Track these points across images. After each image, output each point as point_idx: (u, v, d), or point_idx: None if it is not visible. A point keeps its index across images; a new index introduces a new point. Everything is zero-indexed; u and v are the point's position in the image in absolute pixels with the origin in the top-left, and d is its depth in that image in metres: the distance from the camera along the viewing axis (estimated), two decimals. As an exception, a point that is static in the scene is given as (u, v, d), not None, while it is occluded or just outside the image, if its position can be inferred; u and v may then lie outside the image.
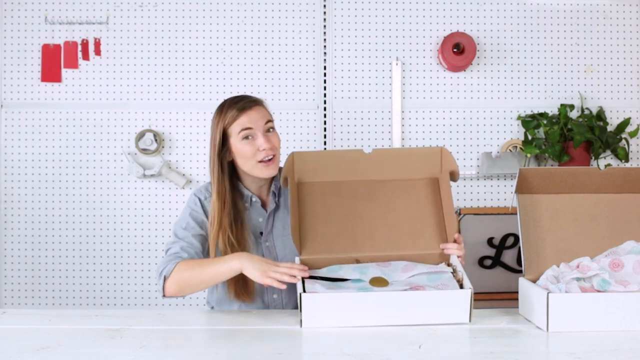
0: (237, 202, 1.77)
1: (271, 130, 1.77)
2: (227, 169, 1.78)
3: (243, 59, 2.87)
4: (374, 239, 1.60)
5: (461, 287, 1.46)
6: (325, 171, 1.67)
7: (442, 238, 1.61)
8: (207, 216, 1.76)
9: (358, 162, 1.68)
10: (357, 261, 1.56)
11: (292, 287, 1.73)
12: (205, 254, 1.73)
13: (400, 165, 1.68)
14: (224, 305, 1.81)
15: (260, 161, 1.73)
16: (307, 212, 1.64)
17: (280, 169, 1.82)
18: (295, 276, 1.49)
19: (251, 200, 1.80)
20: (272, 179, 1.82)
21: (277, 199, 1.81)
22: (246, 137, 1.73)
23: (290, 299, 1.78)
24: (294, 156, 1.67)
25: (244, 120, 1.73)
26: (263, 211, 1.81)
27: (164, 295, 1.64)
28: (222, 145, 1.76)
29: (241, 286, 1.70)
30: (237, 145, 1.74)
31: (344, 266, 1.53)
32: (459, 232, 2.71)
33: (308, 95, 2.88)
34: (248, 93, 1.89)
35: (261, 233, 1.79)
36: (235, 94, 2.85)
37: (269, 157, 1.73)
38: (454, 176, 1.68)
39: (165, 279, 1.63)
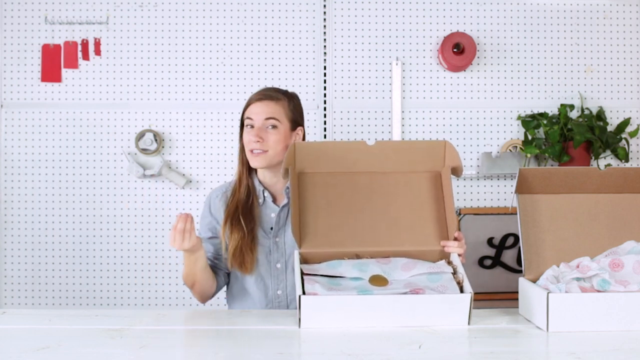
0: (250, 192, 1.85)
1: (271, 127, 1.82)
2: (244, 156, 1.87)
3: (243, 59, 2.87)
4: (375, 233, 1.59)
5: (461, 289, 1.46)
6: (327, 162, 1.66)
7: (443, 234, 1.60)
8: (211, 214, 1.87)
9: (360, 153, 1.66)
10: (357, 256, 1.56)
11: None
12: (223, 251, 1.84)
13: (402, 158, 1.66)
14: (235, 300, 1.86)
15: (251, 151, 1.81)
16: (308, 203, 1.63)
17: None
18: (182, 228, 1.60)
19: (264, 195, 1.85)
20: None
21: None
22: (249, 126, 1.84)
23: (295, 297, 1.78)
24: (295, 146, 1.65)
25: (250, 110, 1.85)
26: (275, 207, 1.84)
27: (201, 301, 1.83)
28: (241, 129, 1.88)
29: (239, 254, 1.78)
30: (244, 131, 1.86)
31: (343, 262, 1.52)
32: (459, 229, 2.72)
33: (308, 95, 2.88)
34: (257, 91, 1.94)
35: (271, 228, 1.82)
36: (237, 93, 2.87)
37: (257, 151, 1.80)
38: (456, 172, 1.66)
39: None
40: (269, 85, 2.85)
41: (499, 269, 2.74)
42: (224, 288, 1.91)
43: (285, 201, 1.83)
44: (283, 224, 1.82)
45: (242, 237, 1.77)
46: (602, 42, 2.92)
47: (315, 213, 1.61)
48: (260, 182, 1.86)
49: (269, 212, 1.84)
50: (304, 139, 1.91)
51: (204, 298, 1.81)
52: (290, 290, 1.80)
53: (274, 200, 1.86)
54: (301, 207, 1.61)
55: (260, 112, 1.82)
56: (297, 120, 1.88)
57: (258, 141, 1.79)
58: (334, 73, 2.88)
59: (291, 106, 1.87)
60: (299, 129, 1.89)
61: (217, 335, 1.38)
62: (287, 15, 2.88)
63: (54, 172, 2.84)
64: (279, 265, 1.79)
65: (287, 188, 1.83)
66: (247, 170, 1.87)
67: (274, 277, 1.80)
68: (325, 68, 2.88)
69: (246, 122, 1.84)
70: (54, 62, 2.83)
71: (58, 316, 1.52)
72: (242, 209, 1.81)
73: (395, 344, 1.25)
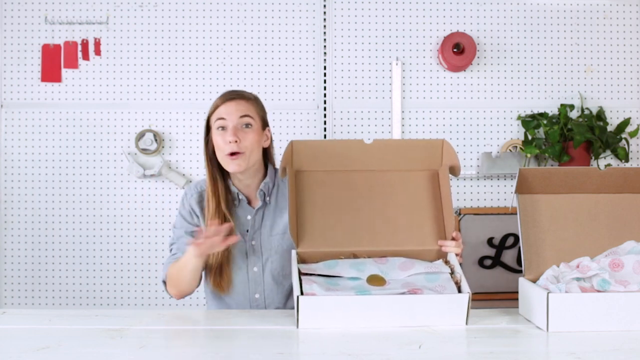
0: (227, 196, 1.78)
1: (247, 126, 1.74)
2: (216, 161, 1.78)
3: (243, 59, 2.87)
4: (372, 232, 1.59)
5: (459, 289, 1.46)
6: (324, 160, 1.65)
7: (440, 234, 1.60)
8: (192, 212, 1.82)
9: (358, 152, 1.65)
10: (355, 255, 1.55)
11: (274, 288, 1.78)
12: None
13: (400, 157, 1.66)
14: (211, 300, 1.85)
15: (228, 154, 1.72)
16: (305, 202, 1.62)
17: (267, 165, 1.83)
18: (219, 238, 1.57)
19: (238, 197, 1.80)
20: (263, 177, 1.81)
21: (267, 197, 1.80)
22: (220, 128, 1.74)
23: (273, 299, 1.79)
24: (292, 145, 1.64)
25: (221, 110, 1.75)
26: (250, 209, 1.80)
27: (176, 298, 1.78)
28: (207, 135, 1.80)
29: (217, 275, 1.76)
30: (213, 135, 1.76)
31: (340, 262, 1.52)
32: (458, 229, 2.72)
33: (308, 95, 2.88)
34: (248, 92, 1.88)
35: (247, 231, 1.79)
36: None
37: (233, 151, 1.71)
38: (454, 171, 1.66)
39: (165, 283, 1.77)
40: (267, 87, 2.86)
41: (499, 269, 2.74)
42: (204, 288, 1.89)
43: (259, 204, 1.79)
44: (259, 227, 1.79)
45: (221, 256, 1.73)
46: (602, 42, 2.92)
47: (312, 212, 1.60)
48: (234, 184, 1.80)
49: (245, 214, 1.79)
50: (271, 140, 1.85)
51: (182, 296, 1.77)
52: (268, 294, 1.78)
53: (249, 202, 1.81)
54: (298, 206, 1.61)
55: (233, 111, 1.73)
56: (265, 119, 1.82)
57: (235, 141, 1.69)
58: (334, 73, 2.88)
59: (260, 105, 1.81)
60: (267, 129, 1.83)
61: (217, 335, 1.38)
62: (287, 15, 2.88)
63: (54, 172, 2.84)
64: (255, 269, 1.77)
65: (261, 190, 1.79)
66: (221, 176, 1.78)
67: (251, 281, 1.77)
68: (325, 68, 2.88)
69: (217, 123, 1.73)
70: (54, 62, 2.84)
71: (58, 316, 1.52)
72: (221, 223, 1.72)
73: (395, 344, 1.25)
